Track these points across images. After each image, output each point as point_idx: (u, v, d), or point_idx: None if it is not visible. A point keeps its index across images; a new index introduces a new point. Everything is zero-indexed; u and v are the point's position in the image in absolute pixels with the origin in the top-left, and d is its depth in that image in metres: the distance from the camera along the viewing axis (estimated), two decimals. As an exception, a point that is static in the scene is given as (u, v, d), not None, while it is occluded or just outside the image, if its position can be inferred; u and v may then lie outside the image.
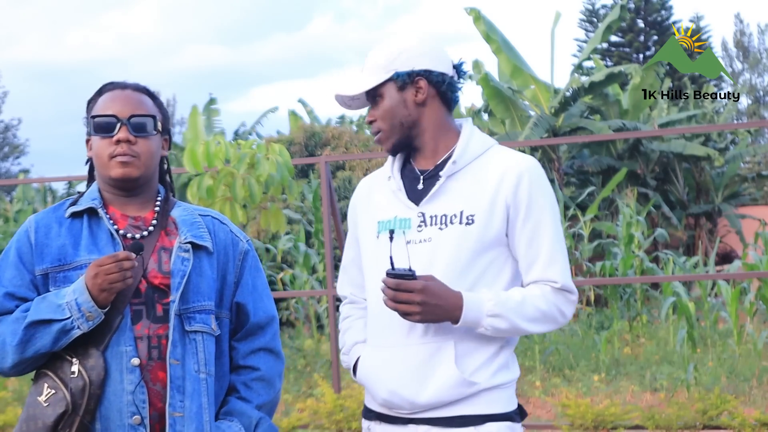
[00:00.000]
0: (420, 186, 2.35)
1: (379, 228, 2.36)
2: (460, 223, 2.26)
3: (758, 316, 10.78)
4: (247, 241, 2.40)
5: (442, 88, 2.36)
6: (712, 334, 10.14)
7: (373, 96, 2.36)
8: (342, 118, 23.42)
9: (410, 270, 2.18)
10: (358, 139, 16.95)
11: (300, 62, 73.93)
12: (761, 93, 35.90)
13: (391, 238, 2.26)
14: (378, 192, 2.43)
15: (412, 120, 2.35)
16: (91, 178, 2.36)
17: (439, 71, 2.35)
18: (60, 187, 19.85)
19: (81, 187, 2.42)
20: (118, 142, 2.21)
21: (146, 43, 76.34)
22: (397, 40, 2.37)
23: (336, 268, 12.31)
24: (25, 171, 30.71)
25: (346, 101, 2.41)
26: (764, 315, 10.85)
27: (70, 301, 2.08)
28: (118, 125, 2.22)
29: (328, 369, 8.98)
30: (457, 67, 2.39)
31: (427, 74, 2.33)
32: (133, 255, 2.11)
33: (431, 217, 2.29)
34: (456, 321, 2.20)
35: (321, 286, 12.02)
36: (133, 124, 2.23)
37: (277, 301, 11.87)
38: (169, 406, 2.12)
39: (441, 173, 2.31)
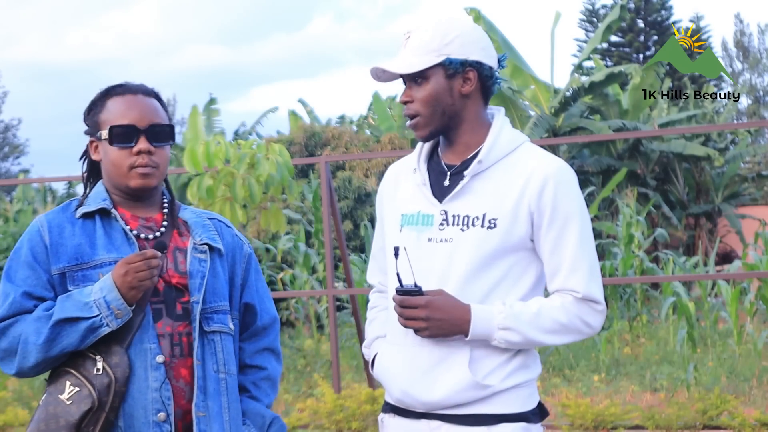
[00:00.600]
0: (446, 182, 2.28)
1: (402, 221, 2.31)
2: (482, 226, 2.20)
3: (758, 316, 10.77)
4: (248, 244, 2.42)
5: (489, 82, 2.27)
6: (712, 334, 10.13)
7: (415, 77, 2.25)
8: (342, 118, 23.41)
9: (416, 286, 2.16)
10: (358, 139, 16.95)
11: (300, 62, 73.90)
12: (761, 93, 35.87)
13: (396, 255, 2.20)
14: (404, 183, 2.37)
15: (455, 111, 2.25)
16: (89, 176, 2.34)
17: (489, 65, 2.25)
18: (60, 187, 19.87)
19: (81, 186, 2.41)
20: (139, 152, 2.20)
21: (146, 43, 76.39)
22: (450, 22, 2.25)
23: (336, 267, 12.34)
24: (25, 171, 30.68)
25: (378, 73, 2.31)
26: (764, 315, 10.84)
27: (98, 299, 2.09)
28: (138, 135, 2.20)
29: (328, 369, 8.98)
30: (500, 61, 2.31)
31: (478, 66, 2.24)
32: (159, 253, 2.13)
33: (454, 216, 2.23)
34: (466, 334, 2.16)
35: (321, 286, 12.01)
36: (153, 134, 2.21)
37: (277, 301, 11.86)
38: (195, 405, 2.15)
39: (466, 172, 2.24)
